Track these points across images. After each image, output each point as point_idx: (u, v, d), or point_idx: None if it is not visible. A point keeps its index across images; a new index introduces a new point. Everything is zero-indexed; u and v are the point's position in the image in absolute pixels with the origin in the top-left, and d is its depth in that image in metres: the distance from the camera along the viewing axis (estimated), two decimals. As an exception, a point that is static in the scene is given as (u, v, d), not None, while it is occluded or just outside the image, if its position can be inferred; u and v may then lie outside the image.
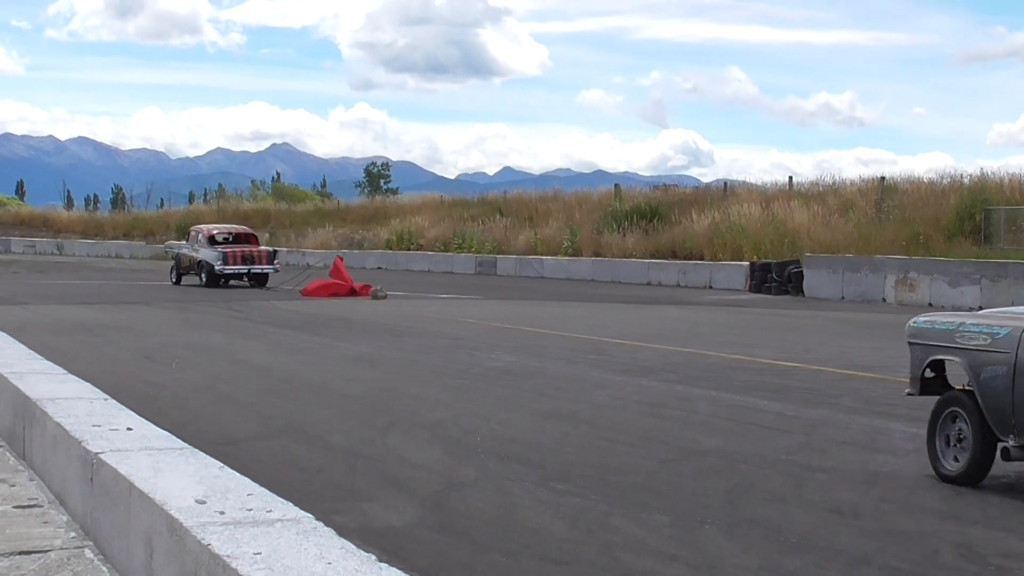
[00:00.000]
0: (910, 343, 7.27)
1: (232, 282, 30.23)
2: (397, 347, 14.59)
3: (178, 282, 31.36)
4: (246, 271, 30.28)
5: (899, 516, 5.97)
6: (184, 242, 33.81)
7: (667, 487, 6.59)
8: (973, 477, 6.60)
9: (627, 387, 10.82)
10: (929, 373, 7.14)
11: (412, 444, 7.89)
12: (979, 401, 6.52)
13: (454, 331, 17.02)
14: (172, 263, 32.94)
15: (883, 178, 33.17)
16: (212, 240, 31.05)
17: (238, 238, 31.98)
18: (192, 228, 33.98)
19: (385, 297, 24.72)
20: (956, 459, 6.69)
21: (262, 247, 32.12)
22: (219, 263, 29.91)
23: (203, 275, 30.34)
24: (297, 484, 6.28)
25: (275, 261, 31.26)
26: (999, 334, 6.46)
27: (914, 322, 7.33)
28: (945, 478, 6.71)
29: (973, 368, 6.58)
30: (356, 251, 48.28)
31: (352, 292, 25.91)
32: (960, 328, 6.81)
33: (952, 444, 6.74)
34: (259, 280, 30.56)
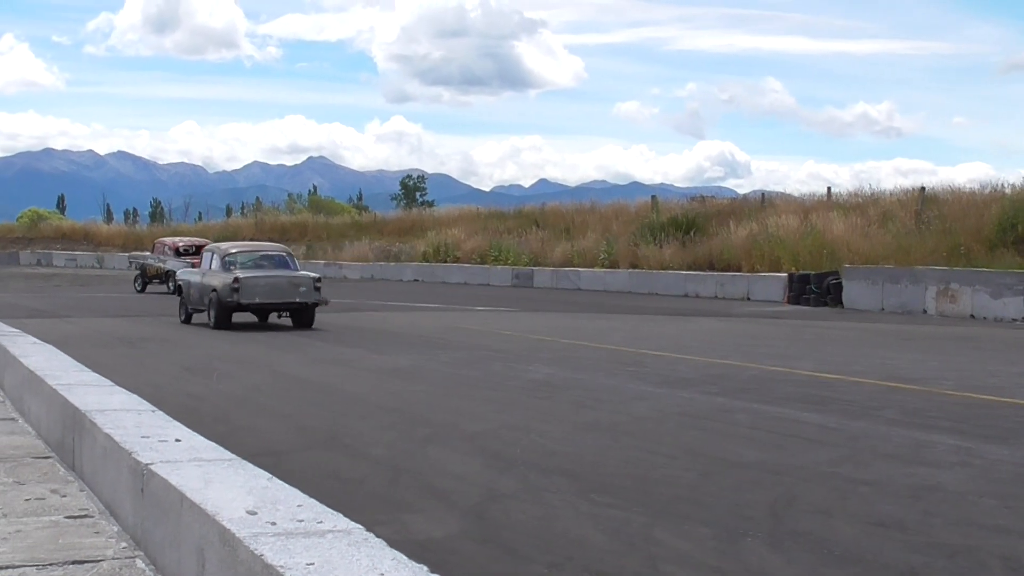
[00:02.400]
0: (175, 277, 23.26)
1: None
2: (434, 359, 14.65)
3: (143, 290, 34.06)
4: None
5: (945, 529, 5.93)
6: (148, 253, 36.17)
7: (709, 499, 6.58)
8: (187, 320, 20.71)
9: (667, 399, 10.82)
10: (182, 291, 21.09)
11: (452, 456, 7.93)
12: (183, 296, 20.98)
13: (491, 343, 17.07)
14: (136, 273, 35.51)
15: (923, 188, 32.92)
16: (178, 252, 33.57)
17: (200, 249, 34.19)
18: (157, 241, 36.60)
19: (327, 303, 26.97)
20: (181, 315, 20.92)
21: None
22: None
23: (171, 284, 32.49)
24: (339, 495, 6.32)
25: None
26: (185, 276, 21.42)
27: (177, 274, 24.42)
28: (183, 321, 20.87)
29: (182, 286, 21.14)
30: (393, 263, 48.49)
31: None
32: (183, 275, 21.85)
33: (182, 311, 20.97)
34: None
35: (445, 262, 46.40)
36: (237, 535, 3.21)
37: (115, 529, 4.82)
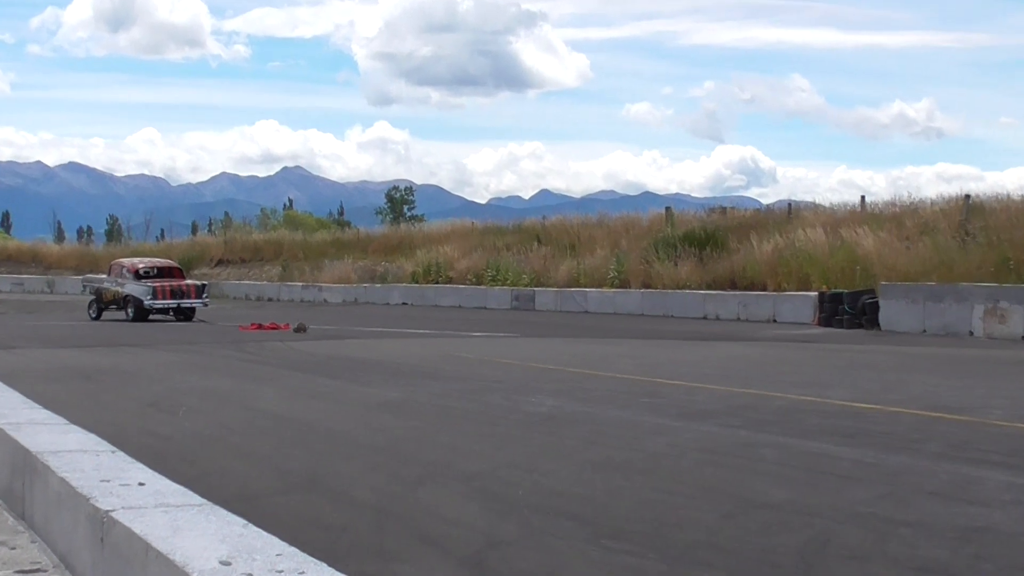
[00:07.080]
0: None
1: (155, 316, 32.90)
2: (426, 391, 14.66)
3: (98, 317, 33.88)
4: (175, 305, 32.91)
5: (997, 575, 5.94)
6: (104, 276, 35.98)
7: (732, 544, 6.60)
8: None
9: (685, 433, 10.83)
10: None
11: (446, 498, 7.94)
12: None
13: (489, 373, 17.09)
14: (91, 298, 35.29)
15: (968, 196, 33.02)
16: (138, 274, 33.55)
17: (162, 272, 34.52)
18: (113, 262, 36.51)
19: (305, 330, 27.46)
20: None
21: (190, 281, 34.81)
22: (148, 297, 32.60)
23: (130, 310, 32.95)
24: (321, 544, 6.34)
25: (204, 295, 33.82)
26: None
27: None
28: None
29: None
30: (379, 285, 48.56)
31: (275, 327, 28.90)
32: None
33: None
34: (187, 314, 33.14)
35: (437, 283, 46.48)
36: (209, 588, 3.23)
37: (72, 584, 4.84)
